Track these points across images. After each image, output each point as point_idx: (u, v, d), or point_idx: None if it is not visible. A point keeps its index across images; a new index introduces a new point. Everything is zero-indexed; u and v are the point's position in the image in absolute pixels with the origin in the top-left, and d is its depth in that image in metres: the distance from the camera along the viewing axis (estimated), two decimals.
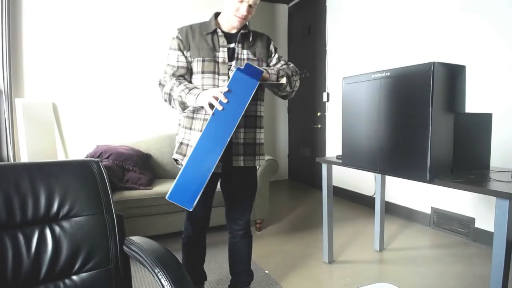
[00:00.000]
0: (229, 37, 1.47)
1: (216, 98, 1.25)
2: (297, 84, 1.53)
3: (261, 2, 4.81)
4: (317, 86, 4.43)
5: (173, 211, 2.59)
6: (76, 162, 1.12)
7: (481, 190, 1.29)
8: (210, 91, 1.29)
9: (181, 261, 1.70)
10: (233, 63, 1.45)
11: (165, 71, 1.46)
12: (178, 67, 1.45)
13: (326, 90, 4.24)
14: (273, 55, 1.56)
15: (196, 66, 1.43)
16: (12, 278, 0.92)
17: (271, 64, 1.55)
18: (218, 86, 1.42)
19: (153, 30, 3.32)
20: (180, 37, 1.45)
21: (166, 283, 0.81)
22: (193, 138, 1.46)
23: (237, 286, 1.71)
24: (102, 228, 1.05)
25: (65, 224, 1.02)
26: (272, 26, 5.08)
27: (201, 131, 1.36)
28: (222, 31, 1.46)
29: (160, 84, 1.46)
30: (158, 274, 0.83)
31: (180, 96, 1.35)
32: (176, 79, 1.42)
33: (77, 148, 3.02)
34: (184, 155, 1.48)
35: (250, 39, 1.50)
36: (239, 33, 1.46)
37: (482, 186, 1.30)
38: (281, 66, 1.52)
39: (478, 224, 2.55)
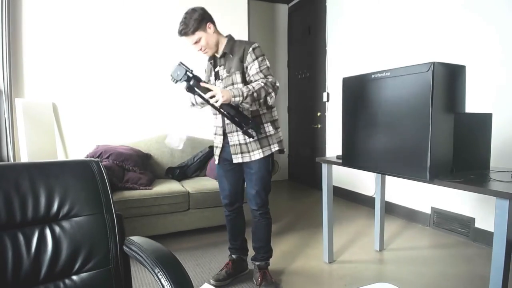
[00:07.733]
0: (216, 61, 1.85)
1: None
2: (271, 100, 1.71)
3: (261, 2, 4.87)
4: (317, 86, 4.43)
5: (173, 211, 2.59)
6: (76, 162, 1.12)
7: (481, 190, 1.29)
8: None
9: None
10: (217, 82, 1.83)
11: None
12: None
13: (326, 90, 4.24)
14: (250, 65, 1.73)
15: None
16: (12, 278, 0.92)
17: (250, 73, 1.73)
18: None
19: (153, 30, 3.32)
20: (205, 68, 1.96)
21: (166, 283, 0.81)
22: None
23: (256, 259, 1.97)
24: (102, 228, 1.05)
25: (65, 224, 1.02)
26: (272, 26, 5.08)
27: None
28: (214, 58, 1.84)
29: None
30: (158, 274, 0.83)
31: None
32: None
33: (77, 148, 3.02)
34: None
35: (231, 56, 1.78)
36: (219, 57, 1.82)
37: (482, 186, 1.30)
38: (255, 81, 1.69)
39: (478, 224, 2.55)
